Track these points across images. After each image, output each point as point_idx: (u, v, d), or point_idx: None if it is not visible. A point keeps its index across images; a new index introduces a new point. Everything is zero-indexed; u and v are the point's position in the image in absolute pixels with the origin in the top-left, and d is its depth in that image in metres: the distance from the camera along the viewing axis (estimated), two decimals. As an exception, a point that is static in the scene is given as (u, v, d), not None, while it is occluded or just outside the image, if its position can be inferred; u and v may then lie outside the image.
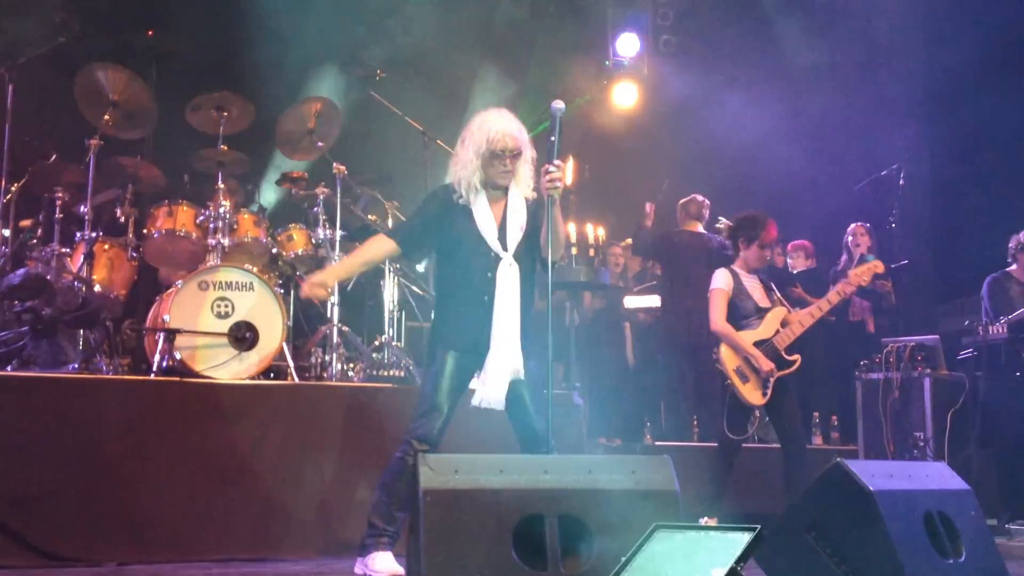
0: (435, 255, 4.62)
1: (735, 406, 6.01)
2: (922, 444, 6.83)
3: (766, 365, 5.90)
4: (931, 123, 9.74)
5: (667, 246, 8.25)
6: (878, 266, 6.21)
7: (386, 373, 6.60)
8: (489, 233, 4.31)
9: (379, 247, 4.61)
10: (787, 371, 5.95)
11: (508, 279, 4.27)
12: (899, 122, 9.78)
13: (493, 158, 4.29)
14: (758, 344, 5.97)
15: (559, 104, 4.20)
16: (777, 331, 5.99)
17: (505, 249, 4.31)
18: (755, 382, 5.95)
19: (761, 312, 6.05)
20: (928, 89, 9.72)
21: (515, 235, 4.34)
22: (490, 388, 4.20)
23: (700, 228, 8.23)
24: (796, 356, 6.00)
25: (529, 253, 4.38)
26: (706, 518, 5.85)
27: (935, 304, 9.68)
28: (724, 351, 6.04)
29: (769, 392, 5.93)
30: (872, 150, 9.51)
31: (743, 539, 2.88)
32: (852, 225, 8.45)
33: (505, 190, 4.39)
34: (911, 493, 3.75)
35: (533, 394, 4.28)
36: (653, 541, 3.09)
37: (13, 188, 6.70)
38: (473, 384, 4.37)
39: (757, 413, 6.03)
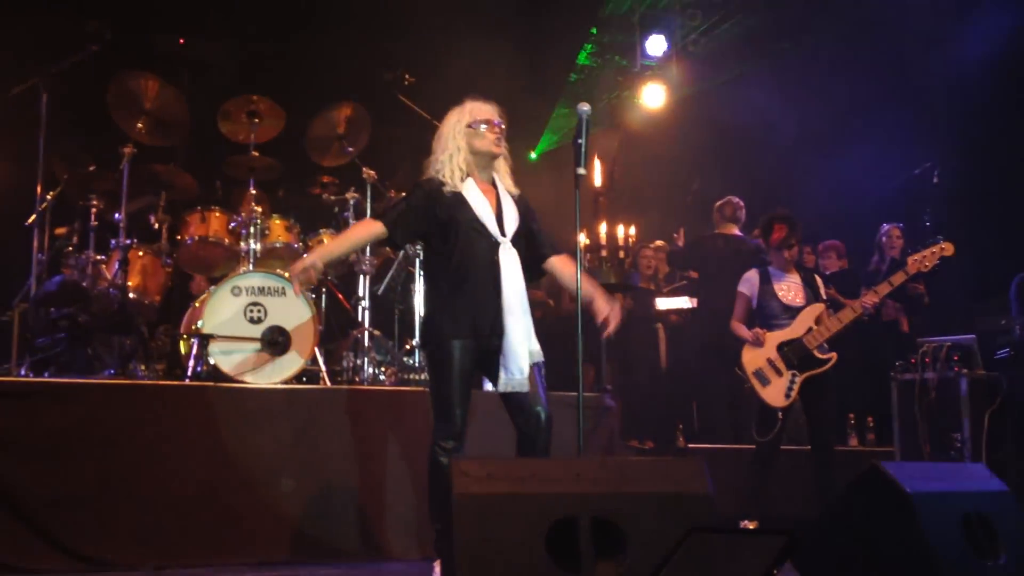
0: (426, 245, 4.54)
1: (759, 408, 5.99)
2: (959, 445, 6.75)
3: (748, 335, 5.96)
4: (965, 120, 9.64)
5: (701, 250, 8.24)
6: (947, 248, 6.02)
7: (417, 377, 6.62)
8: (487, 218, 4.26)
9: (366, 229, 4.54)
10: (816, 371, 5.89)
11: (511, 262, 4.25)
12: (933, 120, 9.68)
13: (479, 126, 4.31)
14: (786, 344, 5.93)
15: (585, 106, 4.19)
16: (809, 329, 5.93)
17: (503, 235, 4.28)
18: (776, 384, 5.91)
19: (792, 311, 6.01)
20: (962, 85, 9.62)
21: (511, 224, 4.31)
22: (513, 371, 4.15)
23: (736, 230, 8.20)
24: (831, 355, 5.92)
25: (522, 244, 4.35)
26: (745, 521, 5.84)
27: (971, 303, 9.57)
28: (744, 354, 6.03)
29: (793, 394, 5.87)
30: (906, 148, 9.42)
31: (779, 542, 2.85)
32: (885, 226, 8.38)
33: (492, 181, 4.38)
34: (949, 495, 3.72)
35: (530, 378, 4.22)
36: (687, 545, 3.07)
37: (49, 196, 6.77)
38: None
39: (780, 415, 5.97)
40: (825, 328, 5.91)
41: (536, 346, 4.25)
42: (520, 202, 4.42)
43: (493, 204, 4.32)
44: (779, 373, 5.91)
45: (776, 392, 5.90)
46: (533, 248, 4.44)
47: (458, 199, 4.27)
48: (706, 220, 8.61)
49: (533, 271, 4.47)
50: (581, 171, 4.17)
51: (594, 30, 10.80)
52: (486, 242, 4.25)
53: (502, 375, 4.17)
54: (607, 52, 11.10)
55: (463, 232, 4.24)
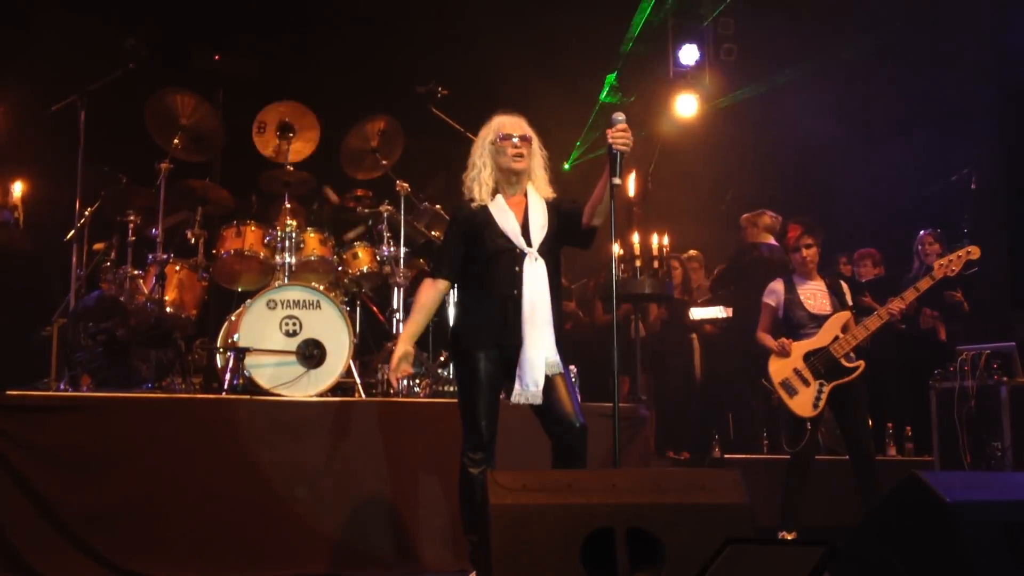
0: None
1: (788, 419, 5.97)
2: (1000, 454, 6.66)
3: (774, 346, 5.94)
4: (1003, 125, 9.53)
5: (741, 260, 8.21)
6: (973, 252, 5.94)
7: (452, 388, 6.62)
8: (511, 230, 4.29)
9: (433, 292, 4.40)
10: (844, 379, 5.83)
11: (535, 273, 4.24)
12: (970, 125, 9.59)
13: (503, 141, 4.33)
14: (812, 353, 5.89)
15: (620, 115, 4.18)
16: (836, 338, 5.88)
17: (529, 245, 4.28)
18: (804, 394, 5.87)
19: (818, 320, 5.97)
20: (999, 90, 9.52)
21: (538, 233, 4.31)
22: (528, 383, 4.15)
23: (772, 240, 8.17)
24: (858, 363, 5.86)
25: (553, 252, 4.35)
26: (784, 532, 5.80)
27: (1010, 310, 9.45)
28: (771, 365, 6.00)
29: (821, 404, 5.82)
30: (942, 154, 9.33)
31: (816, 553, 2.83)
32: (921, 233, 8.31)
33: (524, 193, 4.40)
34: (990, 504, 3.66)
35: (561, 383, 4.21)
36: (724, 556, 3.05)
37: (87, 212, 6.85)
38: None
39: (809, 425, 5.94)
40: (852, 336, 5.86)
41: (555, 357, 4.22)
42: (553, 205, 4.42)
43: (520, 216, 4.34)
44: (806, 383, 5.87)
45: (804, 402, 5.87)
46: (573, 218, 4.38)
47: (485, 215, 4.33)
48: (739, 229, 8.57)
49: (585, 235, 4.39)
50: (616, 181, 4.11)
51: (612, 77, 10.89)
52: (510, 254, 4.28)
53: (516, 386, 4.18)
54: (640, 63, 11.11)
55: (488, 246, 4.29)
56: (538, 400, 4.17)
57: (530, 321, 4.20)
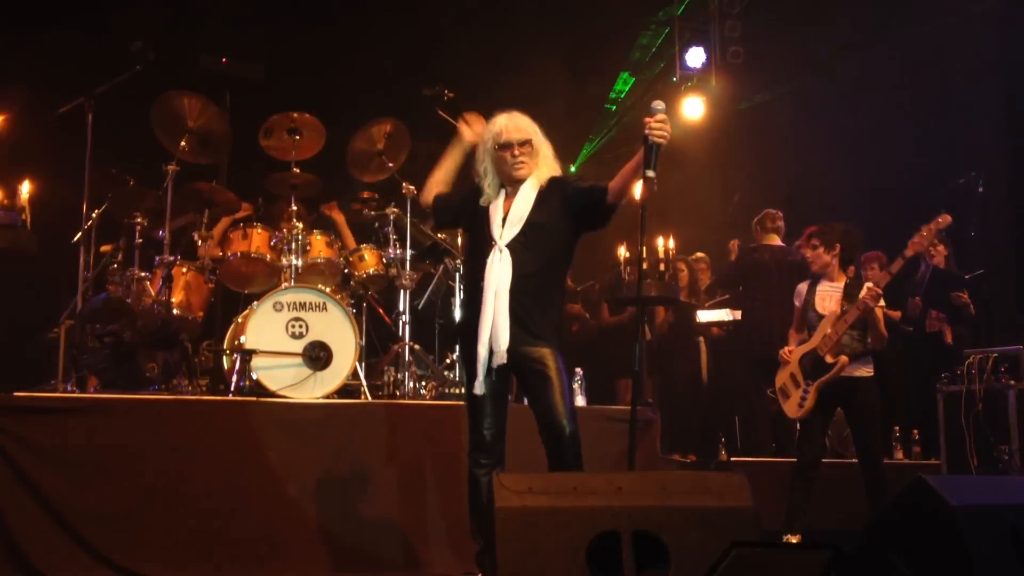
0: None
1: (786, 421, 6.01)
2: (1007, 458, 6.64)
3: (784, 353, 6.01)
4: (1010, 128, 9.52)
5: (748, 261, 8.20)
6: (943, 220, 5.77)
7: (458, 391, 6.62)
8: (495, 225, 4.30)
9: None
10: (826, 376, 5.76)
11: (497, 265, 4.22)
12: (977, 128, 9.58)
13: (503, 150, 4.32)
14: (806, 355, 5.90)
15: (659, 104, 4.02)
16: (825, 336, 5.87)
17: (501, 237, 4.27)
18: (794, 396, 5.89)
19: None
20: (1007, 93, 9.50)
21: (513, 226, 4.27)
22: (477, 372, 4.17)
23: (778, 241, 8.16)
24: (837, 359, 5.77)
25: (539, 241, 4.27)
26: (788, 535, 5.79)
27: (1017, 314, 9.43)
28: (778, 372, 6.03)
29: (807, 405, 5.81)
30: (950, 157, 9.32)
31: (822, 558, 2.82)
32: (927, 235, 8.28)
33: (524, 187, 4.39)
34: (997, 508, 3.65)
35: (553, 385, 4.15)
36: (730, 559, 3.05)
37: (94, 214, 6.86)
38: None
39: (799, 426, 5.97)
40: (835, 332, 5.79)
41: (500, 347, 4.14)
42: (555, 188, 4.35)
43: (506, 209, 4.33)
44: (797, 385, 5.88)
45: (792, 404, 5.89)
46: (594, 196, 4.27)
47: (482, 212, 4.38)
48: (748, 232, 8.56)
49: (605, 214, 4.28)
50: (650, 173, 3.95)
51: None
52: (485, 247, 4.29)
53: None
54: (647, 70, 11.13)
55: (475, 240, 4.39)
56: (479, 391, 4.17)
57: (485, 312, 4.18)
